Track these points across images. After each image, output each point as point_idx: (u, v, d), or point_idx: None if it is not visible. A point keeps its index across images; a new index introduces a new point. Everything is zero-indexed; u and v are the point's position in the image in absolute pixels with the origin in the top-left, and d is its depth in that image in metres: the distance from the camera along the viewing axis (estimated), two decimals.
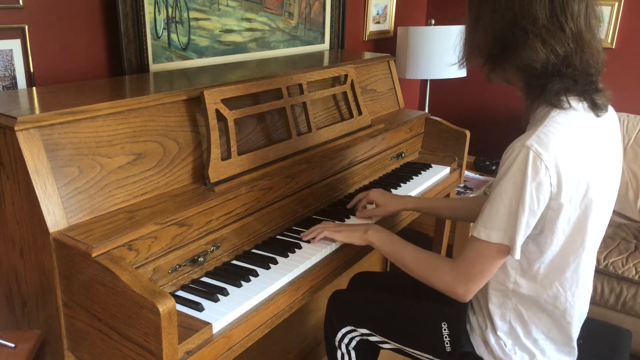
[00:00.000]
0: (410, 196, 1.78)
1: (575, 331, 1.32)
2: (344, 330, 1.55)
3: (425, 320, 1.46)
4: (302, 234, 1.55)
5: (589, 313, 1.42)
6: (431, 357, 1.45)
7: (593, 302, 2.38)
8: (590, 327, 1.46)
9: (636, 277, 2.33)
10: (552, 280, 1.23)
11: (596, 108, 1.18)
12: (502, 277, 1.27)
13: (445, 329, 1.40)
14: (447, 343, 1.40)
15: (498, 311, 1.30)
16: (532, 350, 1.30)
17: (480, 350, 1.36)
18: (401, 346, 1.49)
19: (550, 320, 1.28)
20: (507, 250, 1.17)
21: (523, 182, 1.10)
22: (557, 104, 1.16)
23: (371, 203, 1.74)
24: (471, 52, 1.26)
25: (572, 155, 1.12)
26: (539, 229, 1.18)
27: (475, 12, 1.22)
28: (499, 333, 1.31)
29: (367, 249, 1.68)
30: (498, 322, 1.30)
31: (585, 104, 1.18)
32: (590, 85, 1.17)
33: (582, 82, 1.16)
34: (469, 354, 1.37)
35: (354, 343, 1.56)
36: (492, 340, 1.32)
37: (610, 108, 1.28)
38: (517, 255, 1.15)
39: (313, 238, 1.52)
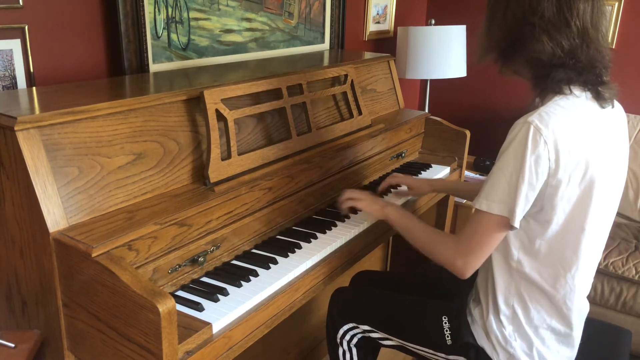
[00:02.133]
0: (435, 179, 2.03)
1: (576, 321, 1.33)
2: (345, 327, 1.57)
3: (426, 315, 1.47)
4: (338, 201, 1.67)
5: (589, 313, 1.42)
6: (432, 351, 1.46)
7: (593, 302, 2.38)
8: (590, 327, 1.46)
9: (636, 277, 2.33)
10: (552, 260, 1.27)
11: (600, 99, 1.24)
12: (506, 256, 1.31)
13: (445, 322, 1.43)
14: (447, 336, 1.42)
15: (502, 295, 1.33)
16: (532, 339, 1.32)
17: (481, 340, 1.37)
18: (402, 342, 1.50)
19: (552, 306, 1.30)
20: (507, 223, 1.21)
21: (523, 155, 1.16)
22: (558, 91, 1.23)
23: (399, 185, 1.90)
24: (487, 47, 1.33)
25: (572, 134, 1.18)
26: (539, 207, 1.23)
27: (491, 10, 1.30)
28: (501, 317, 1.33)
29: (366, 249, 1.69)
30: (502, 306, 1.33)
31: (589, 94, 1.24)
32: (595, 77, 1.23)
33: (587, 74, 1.22)
34: (470, 345, 1.38)
35: (355, 340, 1.57)
36: (493, 325, 1.34)
37: (618, 105, 1.34)
38: (517, 223, 1.19)
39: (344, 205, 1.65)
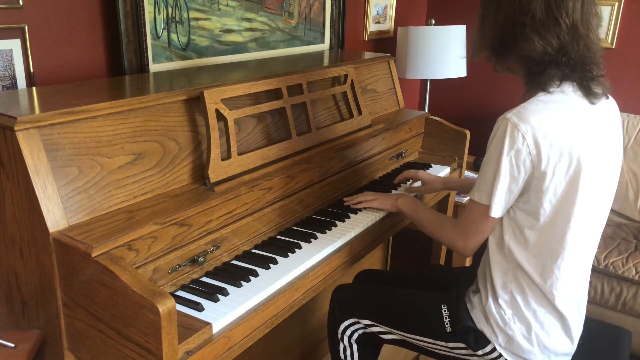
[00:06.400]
0: (447, 176, 2.11)
1: (568, 311, 1.33)
2: (346, 323, 1.58)
3: (426, 305, 1.49)
4: (346, 200, 1.78)
5: (588, 313, 1.42)
6: (432, 341, 1.47)
7: (593, 302, 2.38)
8: (590, 327, 1.46)
9: (636, 277, 2.33)
10: (540, 250, 1.30)
11: (590, 94, 1.27)
12: (500, 244, 1.35)
13: (445, 310, 1.45)
14: (447, 324, 1.43)
15: (500, 281, 1.35)
16: (530, 322, 1.34)
17: (480, 324, 1.39)
18: (402, 334, 1.51)
19: (541, 293, 1.32)
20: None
21: (501, 151, 1.24)
22: (545, 88, 1.27)
23: (414, 180, 1.95)
24: (480, 46, 1.36)
25: (553, 128, 1.21)
26: (526, 198, 1.28)
27: (483, 10, 1.34)
28: (500, 301, 1.35)
29: (367, 249, 1.69)
30: (500, 292, 1.35)
31: (577, 90, 1.27)
32: (585, 73, 1.26)
33: (578, 69, 1.26)
34: (469, 329, 1.40)
35: (356, 336, 1.58)
36: (493, 309, 1.36)
37: (611, 99, 1.36)
38: (495, 214, 1.29)
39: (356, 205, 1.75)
